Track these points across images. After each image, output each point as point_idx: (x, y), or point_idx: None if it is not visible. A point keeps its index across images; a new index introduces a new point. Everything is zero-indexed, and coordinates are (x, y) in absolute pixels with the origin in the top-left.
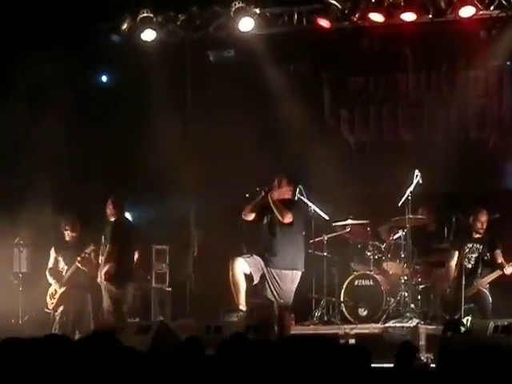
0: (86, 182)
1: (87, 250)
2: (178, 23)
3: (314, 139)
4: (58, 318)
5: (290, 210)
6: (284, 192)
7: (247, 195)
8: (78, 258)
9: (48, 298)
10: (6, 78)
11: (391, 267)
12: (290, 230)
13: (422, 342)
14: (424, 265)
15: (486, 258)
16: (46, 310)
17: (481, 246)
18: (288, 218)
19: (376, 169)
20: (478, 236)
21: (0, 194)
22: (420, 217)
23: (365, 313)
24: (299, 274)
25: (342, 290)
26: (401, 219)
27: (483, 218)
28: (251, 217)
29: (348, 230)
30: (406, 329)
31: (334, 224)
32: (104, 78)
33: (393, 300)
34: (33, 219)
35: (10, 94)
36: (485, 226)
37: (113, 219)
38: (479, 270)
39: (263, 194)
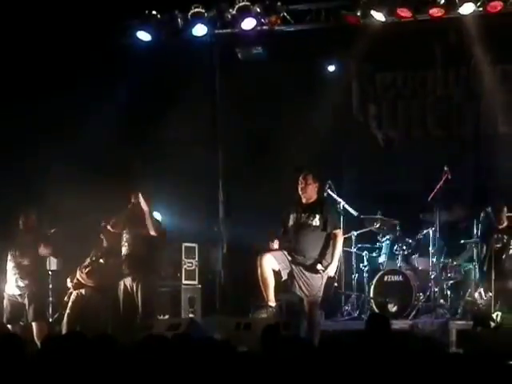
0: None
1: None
2: (207, 20)
3: (342, 135)
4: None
5: (334, 219)
6: (312, 189)
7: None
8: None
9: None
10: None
11: (420, 263)
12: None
13: (453, 338)
14: (453, 260)
15: (510, 248)
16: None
17: (505, 237)
18: (340, 234)
19: (404, 164)
20: (501, 227)
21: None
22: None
23: (394, 308)
24: None
25: (372, 286)
26: (429, 215)
27: (502, 208)
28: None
29: (377, 225)
30: (435, 324)
31: (362, 216)
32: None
33: (422, 296)
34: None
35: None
36: (504, 217)
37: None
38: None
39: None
